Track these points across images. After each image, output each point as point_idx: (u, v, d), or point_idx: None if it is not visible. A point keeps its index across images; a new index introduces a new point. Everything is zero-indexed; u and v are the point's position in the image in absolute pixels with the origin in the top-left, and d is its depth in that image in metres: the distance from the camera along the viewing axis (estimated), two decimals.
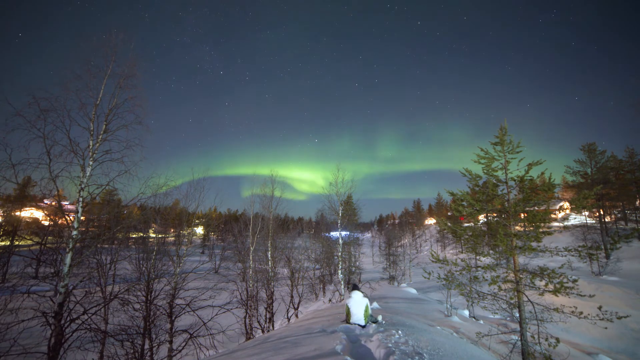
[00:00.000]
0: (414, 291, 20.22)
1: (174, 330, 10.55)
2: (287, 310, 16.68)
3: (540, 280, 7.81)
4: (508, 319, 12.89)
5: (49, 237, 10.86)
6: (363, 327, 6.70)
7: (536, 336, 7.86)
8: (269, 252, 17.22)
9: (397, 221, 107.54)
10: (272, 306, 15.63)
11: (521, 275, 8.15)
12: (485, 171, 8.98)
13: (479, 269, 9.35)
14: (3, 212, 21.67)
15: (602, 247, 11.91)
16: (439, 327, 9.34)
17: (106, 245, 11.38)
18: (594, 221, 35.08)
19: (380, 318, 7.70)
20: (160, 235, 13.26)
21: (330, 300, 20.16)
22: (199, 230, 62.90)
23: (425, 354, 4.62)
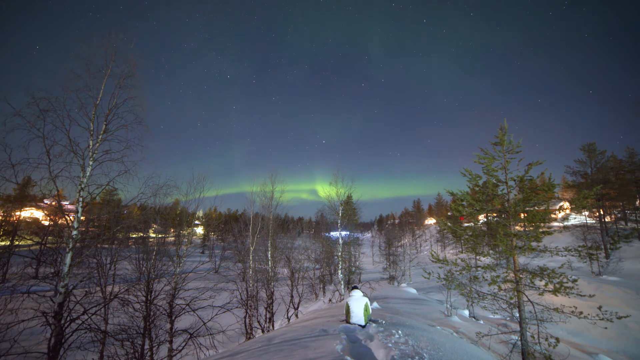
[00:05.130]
0: (414, 291, 20.21)
1: (174, 330, 10.55)
2: (287, 310, 16.69)
3: (540, 280, 7.81)
4: (508, 319, 12.89)
5: (49, 237, 10.87)
6: (363, 327, 6.70)
7: (536, 336, 7.85)
8: (269, 252, 17.22)
9: (397, 221, 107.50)
10: (272, 306, 15.63)
11: (521, 275, 8.15)
12: (485, 171, 8.98)
13: (479, 269, 9.35)
14: (3, 212, 21.66)
15: (602, 247, 11.94)
16: (439, 327, 9.34)
17: (106, 245, 11.38)
18: (594, 221, 35.04)
19: (380, 320, 7.69)
20: (160, 235, 13.26)
21: (330, 300, 20.17)
22: (199, 230, 62.91)
23: (425, 354, 4.62)
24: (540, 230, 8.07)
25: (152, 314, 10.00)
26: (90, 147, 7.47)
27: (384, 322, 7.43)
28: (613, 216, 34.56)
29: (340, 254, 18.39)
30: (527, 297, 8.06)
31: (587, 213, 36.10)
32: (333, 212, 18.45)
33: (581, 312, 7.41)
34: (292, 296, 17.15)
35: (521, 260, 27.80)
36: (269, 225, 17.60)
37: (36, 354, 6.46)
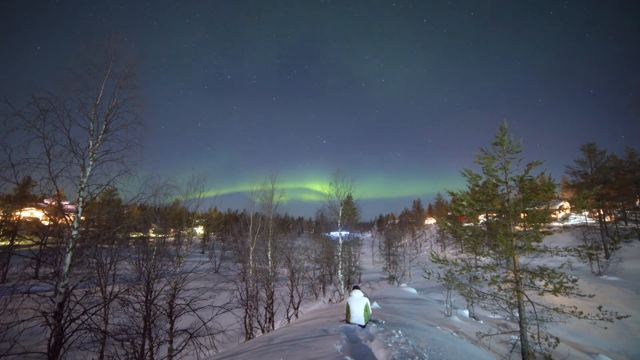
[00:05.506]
0: (414, 291, 20.22)
1: (174, 330, 10.54)
2: (287, 310, 16.69)
3: (540, 280, 7.81)
4: (508, 319, 12.89)
5: (49, 237, 10.86)
6: (363, 327, 6.70)
7: (536, 336, 7.85)
8: (269, 252, 17.22)
9: (397, 221, 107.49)
10: (272, 306, 15.63)
11: (521, 275, 8.15)
12: (485, 171, 8.98)
13: (479, 269, 9.35)
14: (3, 212, 21.67)
15: (602, 247, 11.94)
16: (439, 327, 9.35)
17: (106, 245, 11.38)
18: (594, 221, 35.04)
19: (380, 320, 7.69)
20: (160, 235, 13.26)
21: (330, 300, 20.16)
22: (199, 230, 62.90)
23: (425, 354, 4.62)
24: (540, 230, 8.07)
25: (152, 314, 10.00)
26: (90, 147, 7.47)
27: (384, 322, 7.43)
28: (613, 216, 34.56)
29: (340, 254, 18.39)
30: (527, 297, 8.06)
31: (587, 213, 36.10)
32: (333, 212, 18.45)
33: (581, 312, 7.41)
34: (292, 296, 17.14)
35: (521, 260, 27.80)
36: (269, 225, 17.60)
37: (36, 354, 6.46)
